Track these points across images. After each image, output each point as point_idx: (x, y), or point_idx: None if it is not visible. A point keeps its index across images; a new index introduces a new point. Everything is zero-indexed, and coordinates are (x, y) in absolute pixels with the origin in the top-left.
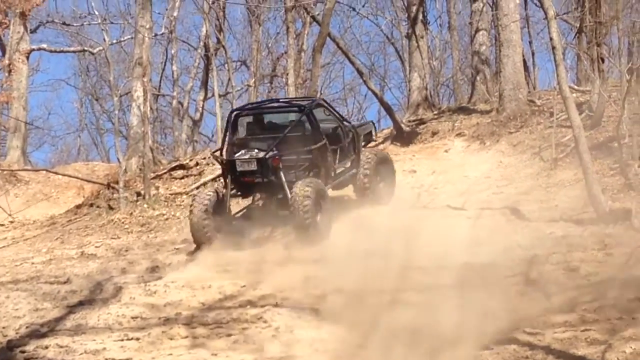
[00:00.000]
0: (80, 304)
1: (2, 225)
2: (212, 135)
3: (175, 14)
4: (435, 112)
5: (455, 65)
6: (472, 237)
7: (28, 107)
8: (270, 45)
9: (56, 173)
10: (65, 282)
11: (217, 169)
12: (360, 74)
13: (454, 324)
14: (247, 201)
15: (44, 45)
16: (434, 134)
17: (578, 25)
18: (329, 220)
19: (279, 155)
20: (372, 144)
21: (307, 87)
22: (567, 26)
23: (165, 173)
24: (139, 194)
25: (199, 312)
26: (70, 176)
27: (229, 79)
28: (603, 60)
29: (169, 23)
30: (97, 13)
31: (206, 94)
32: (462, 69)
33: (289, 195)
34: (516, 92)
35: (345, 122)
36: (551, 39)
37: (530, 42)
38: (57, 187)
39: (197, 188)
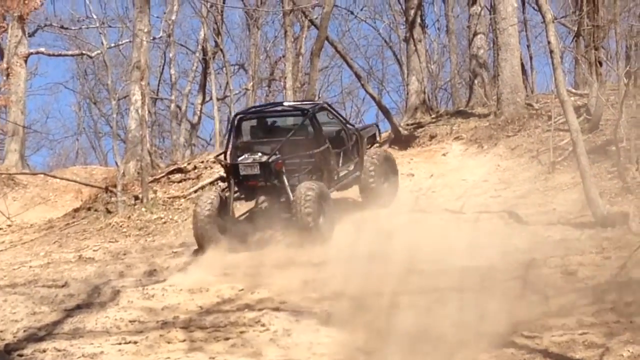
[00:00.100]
0: (78, 307)
1: (0, 228)
2: (210, 139)
3: (173, 17)
4: (433, 116)
5: (453, 68)
6: (470, 240)
7: (26, 110)
8: (268, 48)
9: (54, 177)
10: (63, 286)
11: (215, 173)
12: (359, 77)
13: (452, 327)
14: (250, 204)
15: (42, 49)
16: (432, 137)
17: (576, 29)
18: (332, 222)
19: (282, 159)
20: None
21: (305, 90)
22: (565, 30)
23: (163, 177)
24: (136, 198)
25: (197, 316)
26: (68, 180)
27: (227, 83)
28: (601, 64)
29: (167, 27)
30: (95, 17)
31: (204, 97)
32: (460, 73)
33: (292, 198)
34: (514, 95)
35: (348, 125)
36: (549, 42)
37: (528, 46)
38: (55, 191)
39: (195, 192)
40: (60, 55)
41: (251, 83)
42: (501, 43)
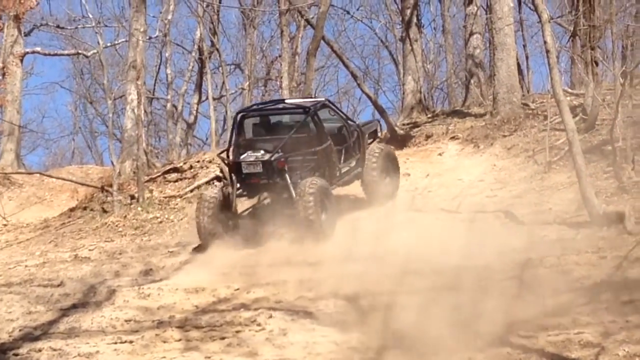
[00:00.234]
0: (74, 307)
1: None
2: (206, 139)
3: (169, 17)
4: (429, 116)
5: (449, 68)
6: (466, 240)
7: (22, 110)
8: (264, 48)
9: (50, 176)
10: (58, 285)
11: (211, 172)
12: (355, 77)
13: (448, 327)
14: (253, 200)
15: (38, 49)
16: (428, 137)
17: (572, 29)
18: (334, 219)
19: (285, 157)
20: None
21: (301, 90)
22: (561, 30)
23: (159, 176)
24: (132, 197)
25: (193, 315)
26: (64, 179)
27: (223, 82)
28: (597, 64)
29: (164, 26)
30: (91, 16)
31: (200, 97)
32: (456, 73)
33: (294, 195)
34: (510, 95)
35: (350, 122)
36: (545, 42)
37: (524, 46)
38: (51, 190)
39: (191, 191)
40: (56, 54)
41: (247, 83)
42: (497, 43)
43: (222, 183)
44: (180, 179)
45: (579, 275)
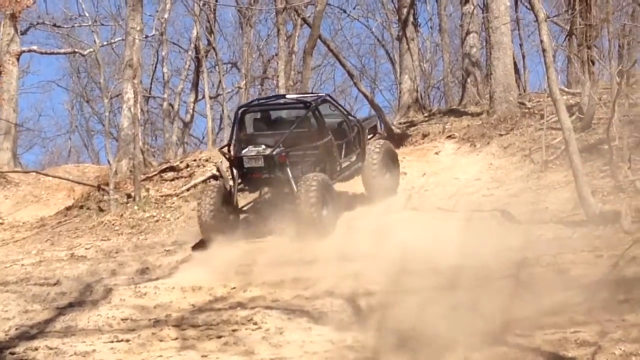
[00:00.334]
0: (70, 305)
1: None
2: (203, 137)
3: (166, 16)
4: (426, 115)
5: (446, 67)
6: (462, 239)
7: (18, 108)
8: (261, 47)
9: (46, 175)
10: (55, 284)
11: (208, 171)
12: (351, 76)
13: (444, 326)
14: (254, 195)
15: (35, 47)
16: (424, 136)
17: (568, 28)
18: (335, 214)
19: (286, 151)
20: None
21: (297, 89)
22: (558, 29)
23: (155, 175)
24: (129, 196)
25: (189, 314)
26: (60, 178)
27: (220, 81)
28: (593, 63)
29: (160, 25)
30: (87, 15)
31: (197, 96)
32: (452, 72)
33: (295, 190)
34: (507, 94)
35: (350, 117)
36: (542, 41)
37: (520, 45)
38: (47, 189)
39: (188, 190)
40: (52, 53)
41: (244, 81)
42: (494, 42)
43: (218, 181)
44: (177, 178)
45: (576, 274)
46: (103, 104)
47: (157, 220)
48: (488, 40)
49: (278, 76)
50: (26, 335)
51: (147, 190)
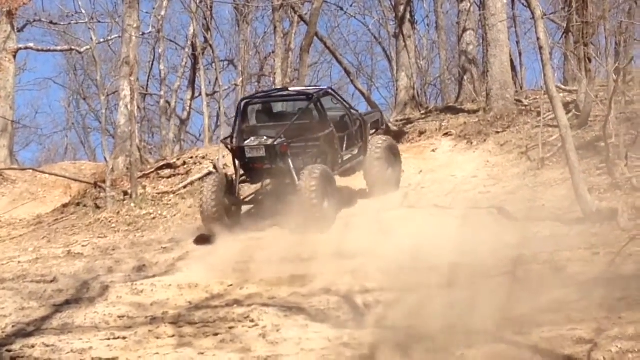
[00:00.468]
0: (67, 303)
1: None
2: (200, 135)
3: (162, 13)
4: (423, 112)
5: (443, 64)
6: (459, 236)
7: (15, 106)
8: (257, 44)
9: (43, 172)
10: (51, 281)
11: (205, 168)
12: (348, 73)
13: (441, 324)
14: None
15: (31, 44)
16: (421, 133)
17: (565, 25)
18: (336, 205)
19: (287, 142)
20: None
21: (294, 86)
22: (555, 26)
23: (152, 172)
24: (126, 193)
25: (186, 311)
26: (57, 175)
27: (217, 79)
28: (590, 60)
29: (157, 22)
30: (84, 12)
31: (193, 93)
32: (449, 69)
33: (297, 181)
34: (503, 91)
35: (353, 110)
36: (538, 38)
37: (517, 42)
38: (44, 186)
39: (185, 187)
40: (49, 50)
41: (241, 79)
42: (490, 39)
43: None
44: (174, 175)
45: (572, 271)
46: (100, 101)
47: (153, 218)
48: (485, 38)
49: (275, 73)
50: (23, 332)
51: (144, 187)
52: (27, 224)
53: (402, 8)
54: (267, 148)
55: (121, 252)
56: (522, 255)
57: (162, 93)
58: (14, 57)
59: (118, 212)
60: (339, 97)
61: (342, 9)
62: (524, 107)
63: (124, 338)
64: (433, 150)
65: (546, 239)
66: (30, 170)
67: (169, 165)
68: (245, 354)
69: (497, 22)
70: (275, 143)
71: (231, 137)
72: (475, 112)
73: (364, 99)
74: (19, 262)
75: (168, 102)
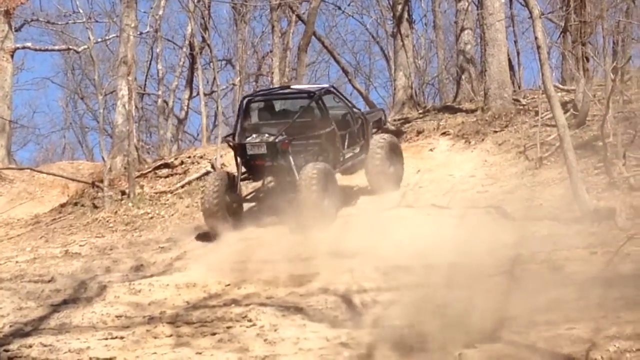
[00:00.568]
0: (65, 302)
1: None
2: (197, 134)
3: (160, 12)
4: (421, 111)
5: (441, 64)
6: (457, 236)
7: (13, 105)
8: (255, 44)
9: (40, 172)
10: (49, 281)
11: (202, 168)
12: (346, 72)
13: (438, 323)
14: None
15: (29, 44)
16: (419, 132)
17: (563, 25)
18: (337, 203)
19: (289, 139)
20: None
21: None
22: (552, 25)
23: (150, 172)
24: (123, 193)
25: (184, 311)
26: (54, 175)
27: (214, 78)
28: (588, 60)
29: (154, 22)
30: (82, 11)
31: (191, 92)
32: (447, 68)
33: (297, 178)
34: (501, 91)
35: (354, 109)
36: (536, 38)
37: (515, 41)
38: (41, 186)
39: (182, 187)
40: (47, 50)
41: (238, 78)
42: (488, 38)
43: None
44: (171, 175)
45: (570, 271)
46: (97, 100)
47: (151, 217)
48: (482, 37)
49: (273, 73)
50: (20, 332)
51: (142, 187)
52: (24, 223)
53: (399, 7)
54: (268, 145)
55: (119, 252)
56: (520, 255)
57: (159, 92)
58: (12, 56)
59: (116, 212)
60: (340, 96)
61: (339, 8)
62: (521, 107)
63: (122, 338)
64: (431, 150)
65: (544, 238)
66: (28, 170)
67: (166, 165)
68: (243, 354)
69: (495, 22)
70: (277, 140)
71: (233, 134)
72: (473, 111)
73: (362, 99)
74: (17, 261)
75: (166, 102)
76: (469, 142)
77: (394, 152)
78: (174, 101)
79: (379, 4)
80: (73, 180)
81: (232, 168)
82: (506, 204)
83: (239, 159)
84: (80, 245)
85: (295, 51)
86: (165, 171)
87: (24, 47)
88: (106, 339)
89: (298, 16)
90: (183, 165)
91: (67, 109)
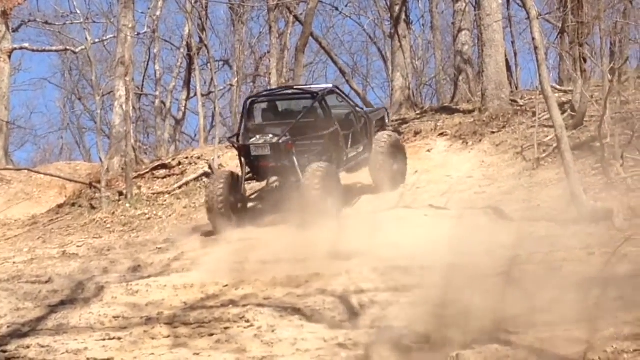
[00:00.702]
0: (62, 303)
1: None
2: (195, 135)
3: (158, 13)
4: (418, 112)
5: (438, 65)
6: (454, 236)
7: (10, 106)
8: (253, 44)
9: (38, 172)
10: (46, 282)
11: (200, 169)
12: (343, 73)
13: (436, 324)
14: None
15: (26, 45)
16: (416, 133)
17: (560, 26)
18: (339, 203)
19: (292, 140)
20: None
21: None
22: (550, 26)
23: (147, 172)
24: (121, 194)
25: (181, 312)
26: (52, 175)
27: (212, 79)
28: (585, 60)
29: (152, 22)
30: (79, 12)
31: (189, 93)
32: (444, 69)
33: (301, 178)
34: (499, 91)
35: (357, 108)
36: (533, 39)
37: (512, 42)
38: (39, 187)
39: (180, 188)
40: (44, 50)
41: (236, 79)
42: (486, 39)
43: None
44: (169, 176)
45: (568, 271)
46: (95, 101)
47: (149, 218)
48: (480, 38)
49: (270, 74)
50: (18, 333)
51: (139, 187)
52: (22, 224)
53: (397, 8)
54: (272, 146)
55: (116, 253)
56: (518, 256)
57: (157, 93)
58: (9, 57)
59: (113, 213)
60: (343, 95)
61: (337, 9)
62: (519, 107)
63: (119, 339)
64: (428, 151)
65: (541, 239)
66: (26, 171)
67: (164, 166)
68: (241, 355)
69: (493, 22)
70: (281, 141)
71: (237, 135)
72: (470, 112)
73: (360, 99)
74: (14, 262)
75: (163, 103)
76: (467, 143)
77: (397, 150)
78: (171, 102)
79: (376, 4)
80: (70, 181)
81: (229, 169)
82: (504, 205)
83: (243, 160)
84: (78, 246)
85: (292, 52)
86: (162, 172)
87: (21, 48)
88: (104, 339)
89: (295, 17)
90: (180, 166)
91: (65, 110)
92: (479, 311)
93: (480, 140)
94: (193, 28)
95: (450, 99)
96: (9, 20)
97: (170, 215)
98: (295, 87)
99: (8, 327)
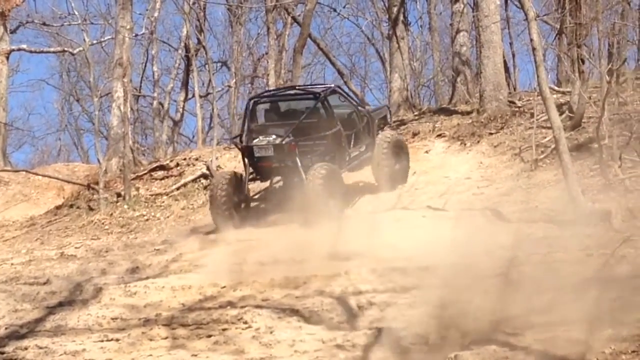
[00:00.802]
0: (60, 305)
1: None
2: (193, 136)
3: (155, 14)
4: (416, 113)
5: (436, 66)
6: (452, 238)
7: (8, 107)
8: (251, 46)
9: (36, 174)
10: (44, 283)
11: (198, 170)
12: (341, 75)
13: (434, 325)
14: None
15: (24, 46)
16: (414, 134)
17: (558, 27)
18: (342, 203)
19: (295, 140)
20: None
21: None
22: (548, 27)
23: (145, 174)
24: (119, 195)
25: (179, 313)
26: (50, 177)
27: (210, 80)
28: (583, 62)
29: (150, 24)
30: (77, 13)
31: (187, 94)
32: (442, 70)
33: (304, 179)
34: (497, 93)
35: (360, 107)
36: (532, 40)
37: (510, 44)
38: (37, 188)
39: (178, 189)
40: (42, 52)
41: (234, 80)
42: (484, 40)
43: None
44: (167, 177)
45: (566, 272)
46: (93, 102)
47: (147, 219)
48: (478, 39)
49: (268, 75)
50: (16, 334)
51: (137, 189)
52: (20, 225)
53: (395, 9)
54: (275, 147)
55: (114, 254)
56: (516, 257)
57: (155, 94)
58: (7, 58)
59: (111, 214)
60: (346, 95)
61: (335, 10)
62: (517, 109)
63: (117, 340)
64: (426, 152)
65: (540, 240)
66: (23, 172)
67: (162, 167)
68: (239, 356)
69: (491, 24)
70: (284, 142)
71: (240, 136)
72: (468, 113)
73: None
74: (12, 264)
75: (161, 104)
76: (465, 144)
77: (400, 149)
78: (169, 103)
79: (374, 6)
80: (68, 182)
81: (228, 170)
82: (502, 206)
83: (246, 160)
84: (76, 248)
85: (290, 53)
86: (160, 173)
87: (19, 49)
88: (102, 341)
89: (293, 18)
90: (178, 167)
91: (63, 111)
92: (478, 312)
93: (479, 142)
94: (191, 29)
95: (449, 100)
96: (6, 21)
97: (168, 217)
98: (297, 87)
99: (6, 328)
